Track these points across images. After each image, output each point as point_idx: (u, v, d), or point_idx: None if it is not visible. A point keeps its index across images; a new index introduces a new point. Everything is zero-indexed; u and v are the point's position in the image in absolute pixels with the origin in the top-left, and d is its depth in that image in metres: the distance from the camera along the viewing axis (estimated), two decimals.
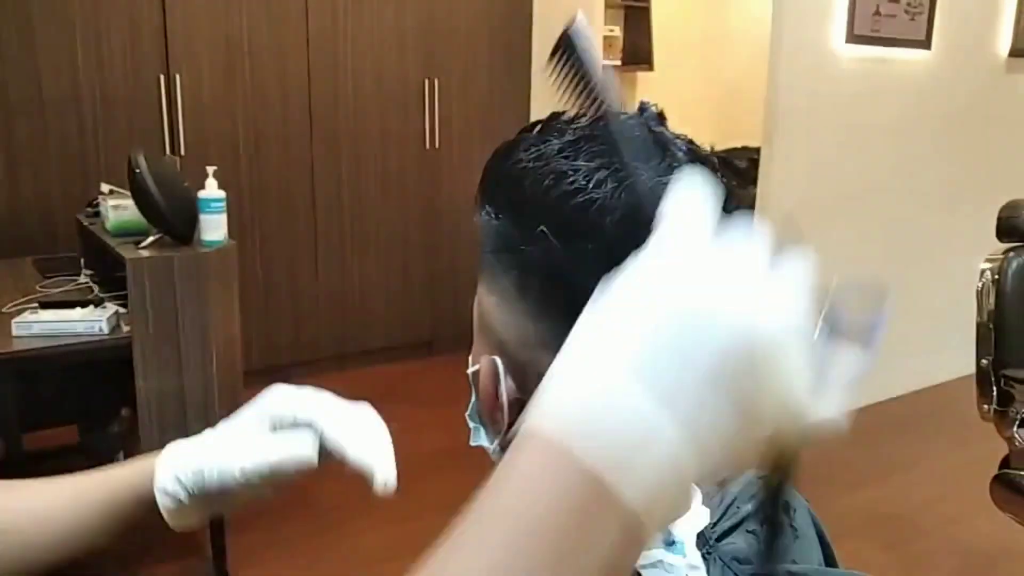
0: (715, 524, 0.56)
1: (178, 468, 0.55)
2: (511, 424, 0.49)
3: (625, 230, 0.43)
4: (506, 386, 0.49)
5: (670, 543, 0.51)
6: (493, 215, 0.50)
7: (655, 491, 0.29)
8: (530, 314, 0.48)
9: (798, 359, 0.30)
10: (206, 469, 0.54)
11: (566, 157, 0.46)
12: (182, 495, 0.55)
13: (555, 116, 0.50)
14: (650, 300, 0.30)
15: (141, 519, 0.58)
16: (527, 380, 0.49)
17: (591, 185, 0.44)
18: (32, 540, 0.58)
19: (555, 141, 0.47)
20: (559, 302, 0.44)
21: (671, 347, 0.29)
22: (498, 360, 0.50)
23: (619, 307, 0.31)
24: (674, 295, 0.30)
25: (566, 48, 0.41)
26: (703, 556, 0.52)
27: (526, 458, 0.30)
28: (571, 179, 0.45)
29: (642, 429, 0.29)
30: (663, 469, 0.29)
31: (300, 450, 0.52)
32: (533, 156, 0.47)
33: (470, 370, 0.53)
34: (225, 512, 0.54)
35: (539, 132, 0.50)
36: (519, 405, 0.49)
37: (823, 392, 0.31)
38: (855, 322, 0.34)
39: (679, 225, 0.32)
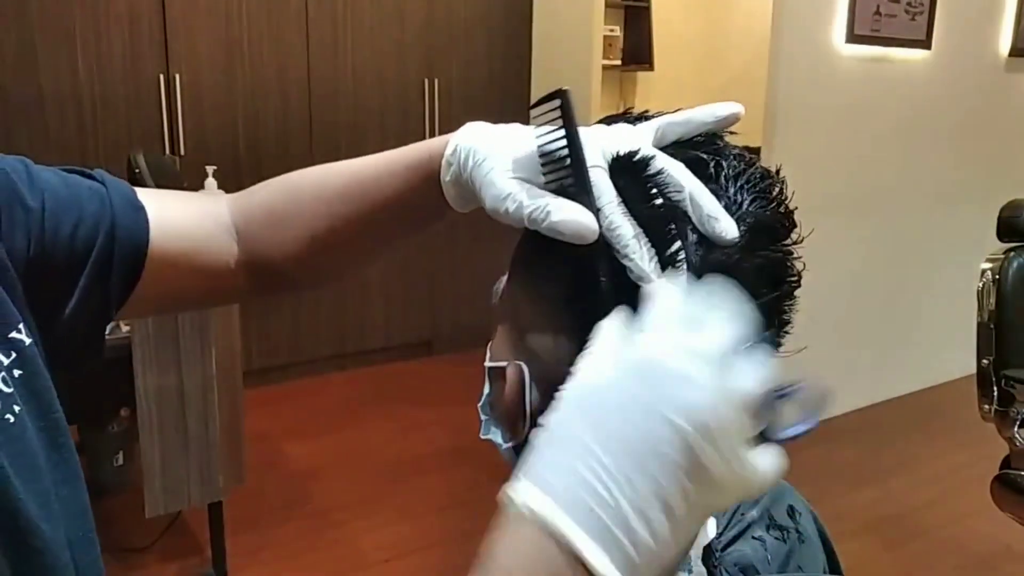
0: (720, 533, 0.56)
1: (458, 155, 0.52)
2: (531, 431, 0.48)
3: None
4: (531, 395, 0.47)
5: None
6: None
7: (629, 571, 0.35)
8: (569, 329, 0.45)
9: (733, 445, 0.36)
10: (479, 172, 0.50)
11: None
12: (462, 184, 0.53)
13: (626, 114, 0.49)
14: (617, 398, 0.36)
15: (436, 207, 0.56)
16: (554, 393, 0.48)
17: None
18: (344, 242, 0.63)
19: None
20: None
21: (628, 448, 0.35)
22: (525, 368, 0.48)
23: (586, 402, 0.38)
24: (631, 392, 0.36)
25: (563, 103, 0.45)
26: (709, 569, 0.52)
27: (521, 538, 0.36)
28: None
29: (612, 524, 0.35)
30: (638, 553, 0.35)
31: (581, 221, 0.43)
32: None
33: (488, 364, 0.51)
34: None
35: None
36: (543, 413, 0.48)
37: (764, 451, 0.37)
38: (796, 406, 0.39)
39: (654, 318, 0.38)
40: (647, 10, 4.66)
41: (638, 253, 0.42)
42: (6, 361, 0.50)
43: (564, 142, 0.45)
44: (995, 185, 3.46)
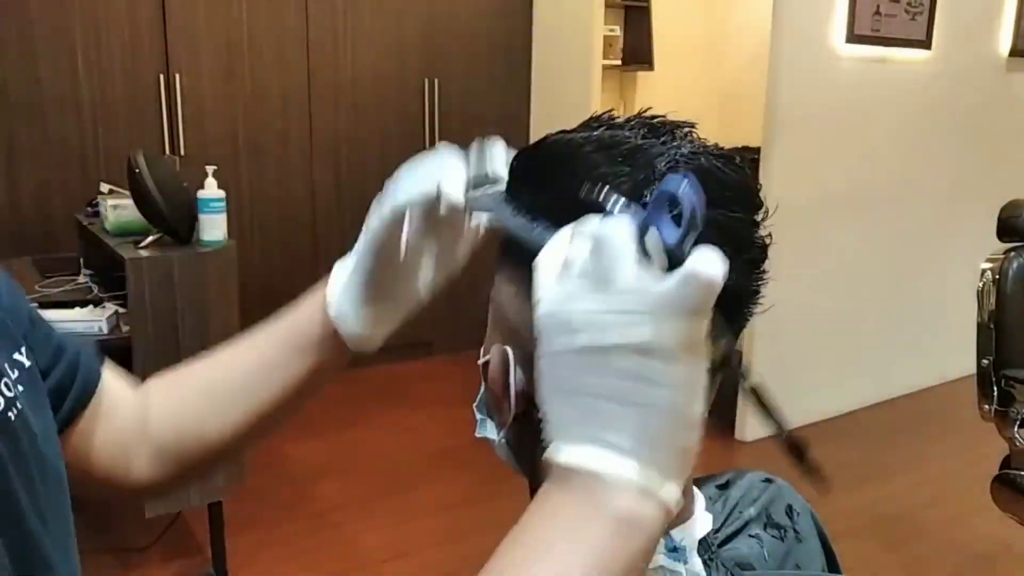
0: (718, 530, 0.56)
1: (333, 293, 0.59)
2: (517, 415, 0.49)
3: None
4: (515, 377, 0.49)
5: (672, 549, 0.51)
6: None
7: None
8: None
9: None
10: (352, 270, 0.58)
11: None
12: (348, 308, 0.58)
13: (594, 119, 0.50)
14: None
15: (328, 349, 0.61)
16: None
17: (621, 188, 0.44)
18: (241, 395, 0.65)
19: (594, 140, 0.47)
20: None
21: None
22: (509, 350, 0.49)
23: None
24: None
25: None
26: (705, 562, 0.52)
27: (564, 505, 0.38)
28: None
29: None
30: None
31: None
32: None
33: (481, 361, 0.53)
34: (398, 319, 0.61)
35: (576, 131, 0.49)
36: (527, 397, 0.49)
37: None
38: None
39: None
40: (647, 10, 4.66)
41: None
42: (13, 375, 0.53)
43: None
44: (995, 185, 3.46)
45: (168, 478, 0.67)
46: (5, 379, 0.52)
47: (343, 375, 0.66)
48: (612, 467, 0.36)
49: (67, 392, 0.60)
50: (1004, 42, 3.71)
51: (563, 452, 0.37)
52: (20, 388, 0.53)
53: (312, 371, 0.62)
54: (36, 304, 0.62)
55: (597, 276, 0.36)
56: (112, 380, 0.65)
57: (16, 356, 0.55)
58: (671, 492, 0.36)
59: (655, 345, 0.35)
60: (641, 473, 0.36)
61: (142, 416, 0.65)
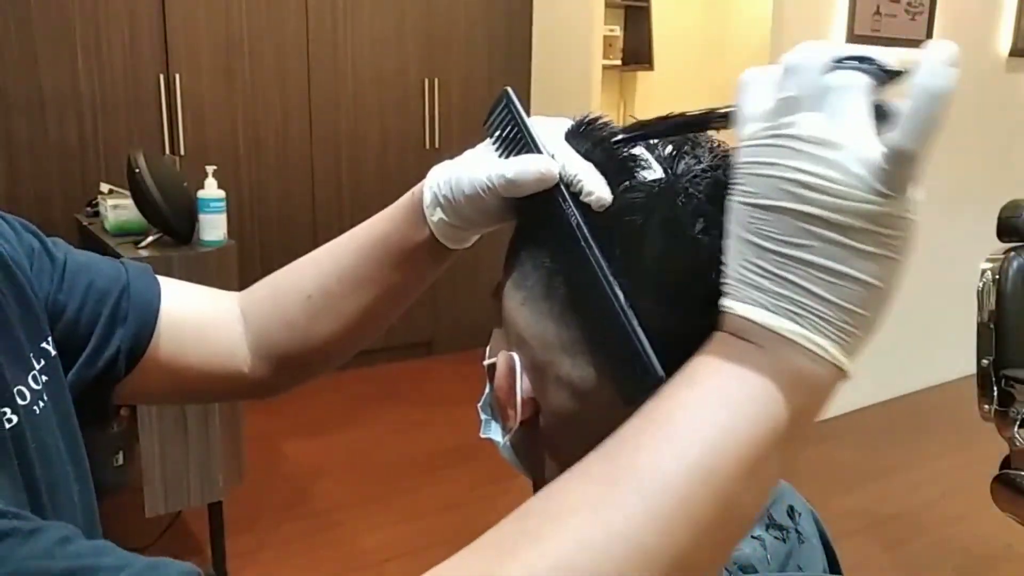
0: None
1: (432, 181, 0.56)
2: (523, 422, 0.49)
3: (661, 256, 0.43)
4: (521, 384, 0.48)
5: None
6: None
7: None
8: (554, 316, 0.47)
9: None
10: (454, 178, 0.54)
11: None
12: (441, 201, 0.55)
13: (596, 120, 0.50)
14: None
15: (421, 244, 0.59)
16: (544, 380, 0.48)
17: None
18: (339, 299, 0.65)
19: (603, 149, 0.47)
20: (585, 309, 0.44)
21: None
22: (516, 357, 0.49)
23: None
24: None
25: (506, 102, 0.50)
26: None
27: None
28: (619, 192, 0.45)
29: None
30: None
31: (540, 163, 0.47)
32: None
33: (486, 362, 0.53)
34: (486, 227, 0.57)
35: (583, 134, 0.49)
36: (533, 404, 0.49)
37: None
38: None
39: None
40: (647, 10, 4.66)
41: (590, 177, 0.44)
42: (38, 366, 0.55)
43: (512, 125, 0.49)
44: (995, 185, 3.46)
45: (284, 380, 0.70)
46: (33, 372, 0.53)
47: (344, 372, 0.65)
48: (798, 330, 0.36)
49: (123, 323, 0.62)
50: (1004, 42, 3.71)
51: (743, 307, 0.37)
52: (45, 378, 0.55)
53: (395, 228, 0.62)
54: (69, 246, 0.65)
55: (823, 136, 0.36)
56: (186, 296, 0.68)
57: (43, 345, 0.56)
58: (848, 365, 0.38)
59: (877, 212, 0.36)
60: (832, 345, 0.37)
61: (243, 324, 0.69)
